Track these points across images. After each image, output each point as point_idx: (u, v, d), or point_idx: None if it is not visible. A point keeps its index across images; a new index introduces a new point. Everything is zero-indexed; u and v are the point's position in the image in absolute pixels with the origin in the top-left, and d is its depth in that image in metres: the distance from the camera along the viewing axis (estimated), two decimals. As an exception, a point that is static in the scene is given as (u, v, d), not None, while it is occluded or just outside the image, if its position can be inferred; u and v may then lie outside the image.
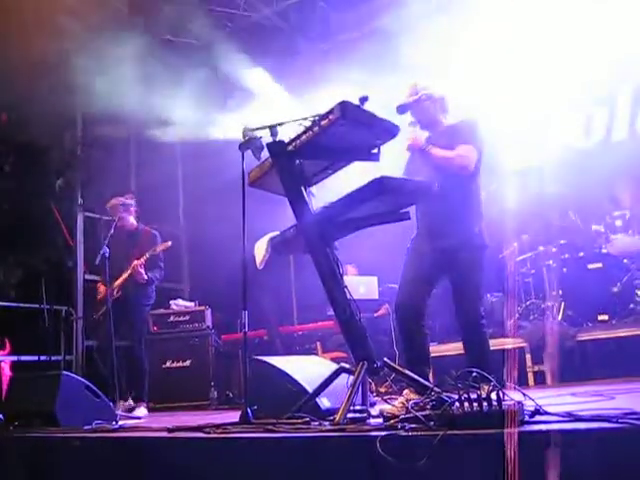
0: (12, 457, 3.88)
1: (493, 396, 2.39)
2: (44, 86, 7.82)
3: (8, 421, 4.76)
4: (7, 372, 7.85)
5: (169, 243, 6.64)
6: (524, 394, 2.72)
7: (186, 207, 10.89)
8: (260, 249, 3.87)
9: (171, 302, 8.50)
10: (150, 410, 6.61)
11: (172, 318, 8.18)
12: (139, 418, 5.98)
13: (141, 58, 7.81)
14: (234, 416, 3.59)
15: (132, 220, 6.81)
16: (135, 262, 6.40)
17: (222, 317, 8.53)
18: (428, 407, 2.81)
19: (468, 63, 7.53)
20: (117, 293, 6.52)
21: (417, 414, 2.58)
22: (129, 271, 6.41)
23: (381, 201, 3.43)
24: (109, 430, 3.98)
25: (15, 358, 7.95)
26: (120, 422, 4.69)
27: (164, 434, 3.42)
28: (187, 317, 8.18)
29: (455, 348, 6.52)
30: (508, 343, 6.51)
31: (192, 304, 8.53)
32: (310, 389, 3.63)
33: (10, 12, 6.94)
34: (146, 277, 6.45)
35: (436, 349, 6.81)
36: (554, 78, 7.67)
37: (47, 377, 5.02)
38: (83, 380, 4.95)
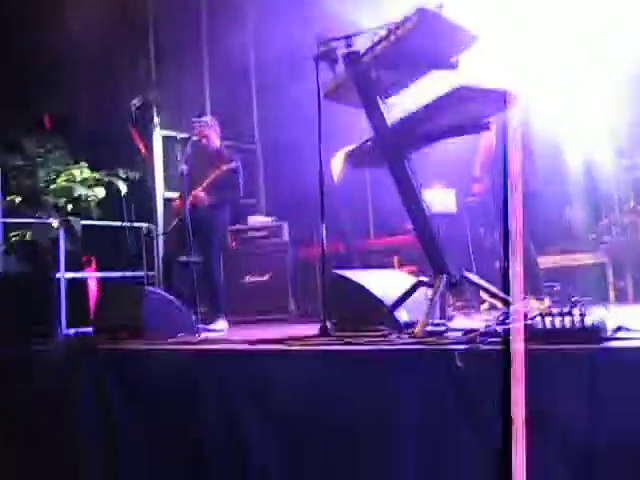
0: (102, 368, 4.05)
1: (576, 312, 2.34)
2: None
3: (97, 334, 4.97)
4: (93, 289, 8.15)
5: (232, 164, 6.51)
6: (607, 310, 2.66)
7: (260, 121, 10.81)
8: (336, 163, 3.84)
9: (249, 217, 8.59)
10: (230, 324, 6.76)
11: (250, 234, 8.28)
12: (221, 331, 6.13)
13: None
14: (313, 329, 3.64)
15: (216, 140, 6.79)
16: (194, 191, 6.32)
17: (299, 231, 8.57)
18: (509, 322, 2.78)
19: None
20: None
21: (497, 328, 2.55)
22: (190, 197, 6.24)
23: (461, 112, 3.32)
24: (193, 342, 4.11)
25: (101, 275, 8.24)
26: (202, 335, 4.82)
27: (246, 346, 3.50)
28: (265, 232, 8.27)
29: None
30: (587, 258, 6.37)
31: (269, 219, 8.60)
32: (388, 303, 3.64)
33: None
34: (207, 202, 6.39)
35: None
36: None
37: (132, 291, 5.19)
38: (166, 295, 5.09)
